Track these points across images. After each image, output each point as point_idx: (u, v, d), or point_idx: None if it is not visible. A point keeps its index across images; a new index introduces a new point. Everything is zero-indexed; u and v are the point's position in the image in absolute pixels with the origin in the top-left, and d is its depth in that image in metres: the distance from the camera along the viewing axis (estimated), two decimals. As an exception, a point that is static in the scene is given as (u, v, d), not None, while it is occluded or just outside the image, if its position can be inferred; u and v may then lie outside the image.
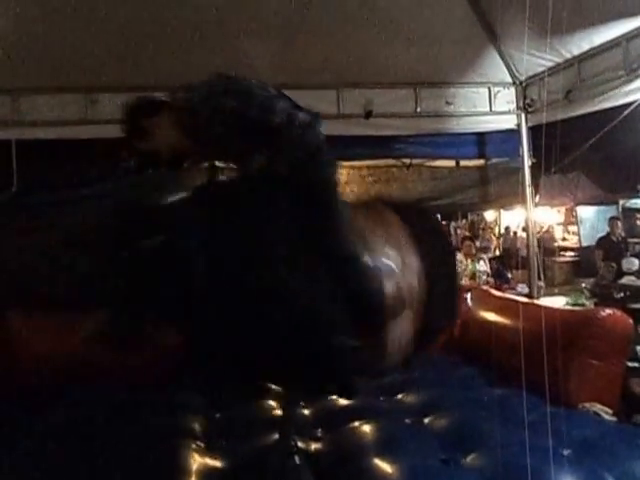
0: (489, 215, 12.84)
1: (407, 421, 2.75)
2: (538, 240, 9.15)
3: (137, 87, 4.16)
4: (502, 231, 12.14)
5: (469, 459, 2.32)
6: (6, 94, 4.10)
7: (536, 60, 4.05)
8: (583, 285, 7.64)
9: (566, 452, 2.32)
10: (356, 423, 2.60)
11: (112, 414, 2.81)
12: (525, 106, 4.53)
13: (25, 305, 3.41)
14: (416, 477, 2.15)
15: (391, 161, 5.55)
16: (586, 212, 12.18)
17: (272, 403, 2.90)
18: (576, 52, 3.85)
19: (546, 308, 3.71)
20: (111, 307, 1.92)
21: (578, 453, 2.30)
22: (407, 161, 5.58)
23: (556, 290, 8.48)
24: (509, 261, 10.08)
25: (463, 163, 5.69)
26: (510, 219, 11.94)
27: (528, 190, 4.71)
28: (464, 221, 13.29)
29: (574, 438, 2.38)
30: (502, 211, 11.60)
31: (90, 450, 2.40)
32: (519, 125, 4.66)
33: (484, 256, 7.00)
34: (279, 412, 2.73)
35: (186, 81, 4.12)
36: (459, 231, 11.83)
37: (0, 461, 2.34)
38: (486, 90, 4.62)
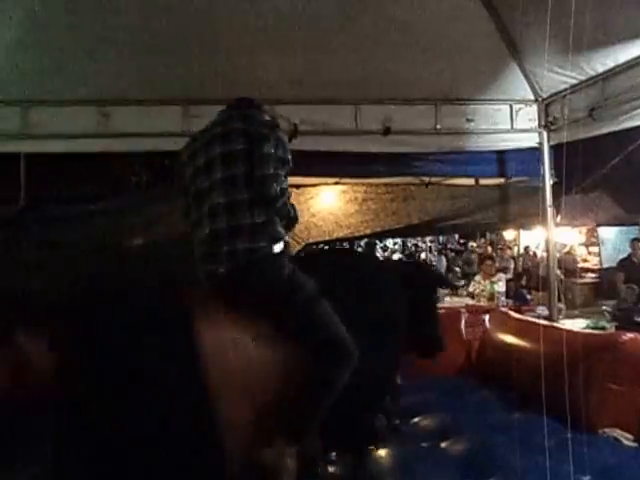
0: (508, 235, 12.70)
1: (424, 445, 2.69)
2: (559, 261, 9.01)
3: (149, 100, 4.22)
4: (521, 251, 11.98)
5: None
6: (16, 106, 4.09)
7: (559, 77, 3.98)
8: (604, 308, 7.49)
9: (586, 478, 2.26)
10: (371, 447, 2.55)
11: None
12: (547, 124, 4.46)
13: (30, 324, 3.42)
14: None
15: (409, 179, 5.49)
16: (607, 233, 12.00)
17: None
18: (600, 69, 3.77)
19: (566, 331, 3.64)
20: None
21: (598, 479, 2.28)
22: (426, 179, 5.52)
23: (576, 312, 8.31)
24: (528, 282, 9.93)
25: (483, 182, 5.61)
26: (529, 239, 11.79)
27: (549, 210, 4.62)
28: (483, 240, 13.16)
29: (594, 464, 2.34)
30: (521, 231, 11.46)
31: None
32: (541, 143, 4.58)
33: (502, 276, 6.89)
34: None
35: (200, 94, 4.14)
36: (478, 250, 11.70)
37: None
38: (507, 107, 4.54)
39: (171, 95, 4.25)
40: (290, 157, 2.23)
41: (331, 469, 2.43)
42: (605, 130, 3.88)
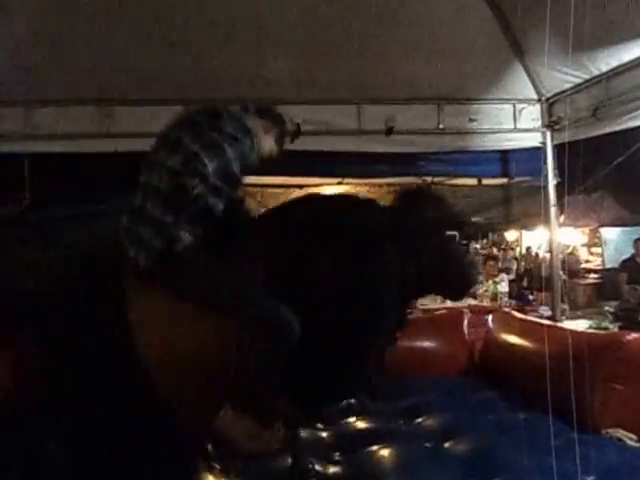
0: (510, 235, 12.67)
1: (427, 445, 2.68)
2: (563, 262, 8.97)
3: (154, 100, 4.21)
4: (524, 252, 11.96)
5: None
6: (20, 107, 4.08)
7: (562, 76, 3.98)
8: (606, 308, 7.46)
9: (589, 478, 2.26)
10: (375, 447, 2.57)
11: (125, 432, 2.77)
12: (550, 124, 4.45)
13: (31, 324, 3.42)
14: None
15: (412, 179, 5.46)
16: (610, 233, 11.95)
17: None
18: (604, 69, 3.76)
19: (570, 331, 3.62)
20: None
21: (602, 479, 2.26)
22: (429, 179, 5.51)
23: (579, 313, 8.29)
24: (530, 283, 9.91)
25: (486, 182, 5.60)
26: (532, 240, 11.76)
27: (552, 210, 4.61)
28: (485, 240, 13.12)
29: (597, 464, 2.32)
30: (524, 231, 11.43)
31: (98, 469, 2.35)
32: (544, 143, 4.57)
33: (505, 277, 6.87)
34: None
35: (204, 93, 4.12)
36: (482, 251, 11.67)
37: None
38: (511, 107, 4.54)
39: (174, 95, 4.25)
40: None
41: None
42: (608, 129, 3.88)
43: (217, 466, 2.47)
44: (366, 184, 5.39)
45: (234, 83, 4.13)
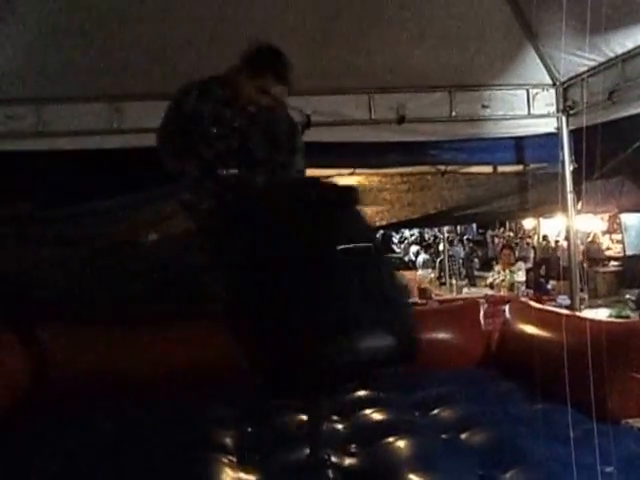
0: (528, 223, 12.54)
1: (443, 437, 2.66)
2: (584, 250, 8.85)
3: (162, 94, 4.19)
4: (540, 240, 11.84)
5: (508, 476, 2.23)
6: (30, 104, 4.07)
7: (577, 60, 3.89)
8: (627, 296, 7.37)
9: (609, 469, 2.20)
10: (391, 439, 2.53)
11: (141, 428, 2.80)
12: (566, 108, 4.36)
13: (50, 319, 3.47)
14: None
15: (425, 168, 5.40)
16: (631, 219, 11.77)
17: (303, 417, 2.82)
18: (619, 51, 3.67)
19: (588, 320, 3.56)
20: None
21: (622, 470, 2.19)
22: (442, 168, 5.44)
23: (599, 302, 8.21)
24: (548, 272, 9.81)
25: (501, 169, 5.51)
26: (550, 228, 11.63)
27: (569, 197, 4.53)
28: (502, 229, 13.01)
29: (617, 455, 2.24)
30: (541, 219, 11.30)
31: (120, 465, 2.38)
32: (559, 128, 4.48)
33: (522, 266, 6.79)
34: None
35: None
36: (496, 240, 11.57)
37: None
38: (524, 92, 4.45)
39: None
40: None
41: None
42: (625, 113, 3.79)
43: (234, 459, 2.47)
44: (378, 174, 5.33)
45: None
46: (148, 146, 4.39)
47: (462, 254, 12.25)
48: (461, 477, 2.21)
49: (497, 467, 2.27)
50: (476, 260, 12.14)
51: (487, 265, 11.42)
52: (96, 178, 4.16)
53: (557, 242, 11.18)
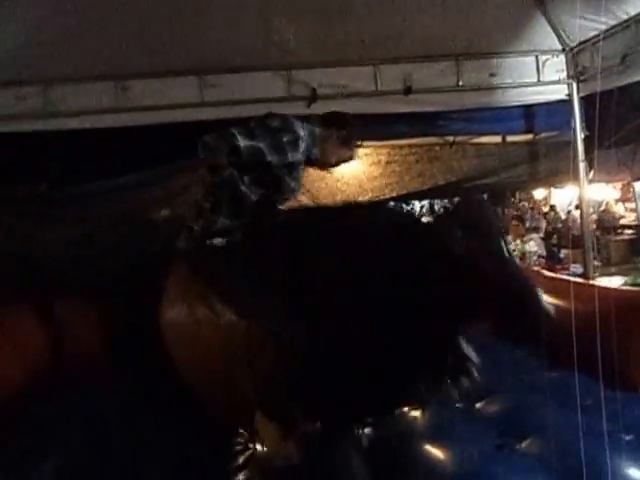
0: (539, 194, 12.40)
1: (458, 406, 2.64)
2: (597, 219, 8.72)
3: (168, 72, 4.16)
4: (549, 210, 11.73)
5: (524, 445, 2.22)
6: (36, 85, 4.05)
7: (588, 24, 3.78)
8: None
9: (627, 437, 2.19)
10: (405, 409, 2.49)
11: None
12: (577, 74, 4.26)
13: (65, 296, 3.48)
14: (470, 463, 2.06)
15: (433, 139, 5.33)
16: (642, 187, 11.61)
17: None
18: (632, 12, 3.57)
19: (602, 288, 3.53)
20: None
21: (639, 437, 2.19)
22: (450, 139, 5.36)
23: (613, 270, 8.13)
24: (559, 240, 9.73)
25: (510, 139, 5.43)
26: (562, 197, 11.50)
27: (581, 165, 4.45)
28: (512, 200, 12.86)
29: (635, 422, 2.26)
30: (553, 190, 11.17)
31: (138, 433, 2.40)
32: (570, 95, 4.38)
33: (535, 236, 6.73)
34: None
35: (216, 63, 4.08)
36: (507, 211, 11.44)
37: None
38: (533, 59, 4.35)
39: (187, 66, 4.19)
40: None
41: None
42: (638, 78, 3.69)
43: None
44: (386, 146, 5.26)
45: (247, 50, 4.05)
46: (153, 123, 4.47)
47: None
48: (478, 446, 2.19)
49: (514, 436, 2.26)
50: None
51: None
52: (108, 156, 4.16)
53: (569, 212, 11.06)
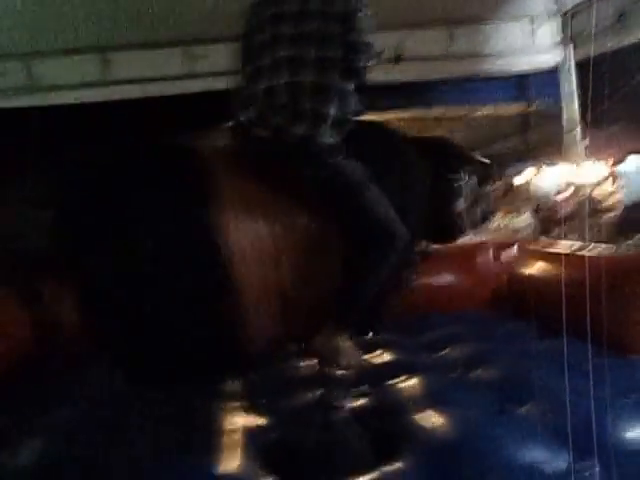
0: (529, 173, 12.40)
1: (452, 375, 2.60)
2: (589, 198, 8.68)
3: (152, 43, 4.03)
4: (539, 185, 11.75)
5: (524, 409, 2.17)
6: (19, 60, 3.95)
7: (582, -16, 3.69)
8: (629, 242, 7.28)
9: (626, 399, 2.15)
10: (400, 378, 2.48)
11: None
12: (572, 37, 4.15)
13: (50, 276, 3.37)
14: (470, 428, 2.00)
15: (424, 110, 5.24)
16: (630, 167, 11.60)
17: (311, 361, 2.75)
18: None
19: (599, 257, 3.47)
20: None
21: (638, 400, 2.15)
22: (442, 109, 5.28)
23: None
24: (551, 216, 9.74)
25: (502, 110, 5.36)
26: (551, 175, 11.49)
27: (578, 135, 4.37)
28: (502, 179, 12.86)
29: (634, 385, 2.24)
30: (544, 167, 11.14)
31: (128, 414, 2.31)
32: (565, 61, 4.28)
33: (526, 211, 6.69)
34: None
35: (201, 32, 3.95)
36: (497, 184, 11.45)
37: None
38: (527, 24, 4.23)
39: (172, 37, 4.06)
40: None
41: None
42: (634, 38, 3.59)
43: (242, 404, 2.40)
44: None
45: (233, 19, 3.91)
46: (137, 97, 4.34)
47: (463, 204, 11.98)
48: (476, 411, 2.14)
49: (512, 401, 2.21)
50: (478, 209, 12.02)
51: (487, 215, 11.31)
52: (93, 132, 4.06)
53: (558, 192, 11.06)
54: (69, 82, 4.02)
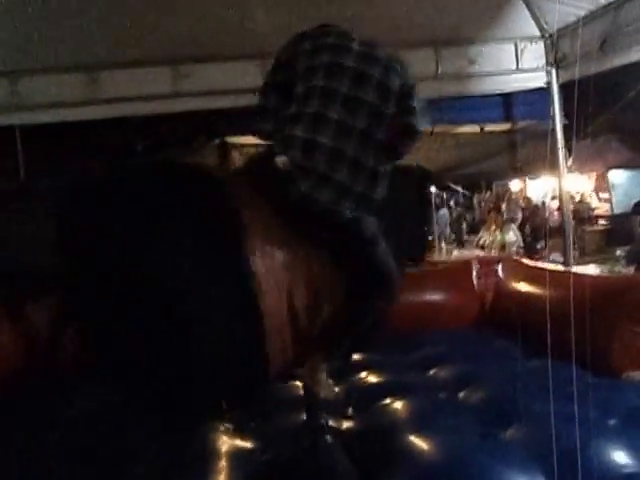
0: (514, 186, 12.50)
1: (441, 396, 2.62)
2: (574, 211, 8.82)
3: (137, 62, 4.04)
4: (522, 202, 11.85)
5: (509, 433, 2.19)
6: (4, 77, 3.93)
7: (567, 9, 3.73)
8: (618, 253, 7.37)
9: (611, 422, 2.20)
10: (388, 400, 2.49)
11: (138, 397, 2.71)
12: (556, 60, 4.23)
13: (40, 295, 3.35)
14: (454, 453, 2.02)
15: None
16: (618, 178, 11.74)
17: (297, 383, 2.76)
18: (611, -3, 3.55)
19: (584, 276, 3.52)
20: None
21: (623, 423, 2.20)
22: (429, 128, 5.33)
23: (588, 259, 8.20)
24: (536, 231, 9.83)
25: (489, 128, 5.42)
26: (536, 189, 11.59)
27: (561, 153, 4.43)
28: (488, 193, 12.93)
29: (619, 408, 2.27)
30: (528, 180, 11.26)
31: (118, 432, 2.32)
32: (549, 83, 4.35)
33: (513, 226, 6.75)
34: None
35: (188, 51, 3.97)
36: (483, 204, 11.50)
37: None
38: (512, 46, 4.31)
39: (158, 55, 4.08)
40: None
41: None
42: (618, 62, 3.66)
43: (230, 426, 2.40)
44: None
45: (219, 38, 3.95)
46: (124, 115, 4.35)
47: (447, 218, 12.03)
48: (461, 436, 2.15)
49: (497, 424, 2.23)
50: (464, 224, 12.04)
51: (476, 229, 11.37)
52: (80, 150, 4.06)
53: (544, 203, 11.15)
54: (54, 100, 4.00)
